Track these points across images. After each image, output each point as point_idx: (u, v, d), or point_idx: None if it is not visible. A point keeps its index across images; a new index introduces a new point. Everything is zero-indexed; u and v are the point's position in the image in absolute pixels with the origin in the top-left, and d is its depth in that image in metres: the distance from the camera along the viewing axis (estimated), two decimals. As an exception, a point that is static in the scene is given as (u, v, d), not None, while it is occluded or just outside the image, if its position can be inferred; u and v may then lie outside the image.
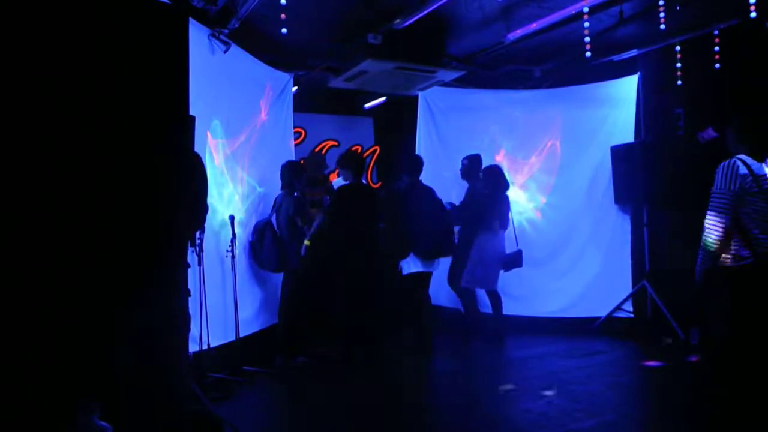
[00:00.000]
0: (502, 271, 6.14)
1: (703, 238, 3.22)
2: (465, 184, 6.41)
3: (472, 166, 6.32)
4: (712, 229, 3.17)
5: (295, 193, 5.50)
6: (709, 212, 3.21)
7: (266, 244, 5.34)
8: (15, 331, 1.91)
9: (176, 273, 2.50)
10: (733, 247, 3.15)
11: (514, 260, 6.12)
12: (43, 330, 1.96)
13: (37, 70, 1.96)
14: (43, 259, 1.97)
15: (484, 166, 6.33)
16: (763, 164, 3.19)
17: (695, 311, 5.51)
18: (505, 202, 6.22)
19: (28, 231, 1.95)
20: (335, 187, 6.17)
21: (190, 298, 3.64)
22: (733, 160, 3.17)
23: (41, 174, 1.96)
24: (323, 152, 8.26)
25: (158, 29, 2.27)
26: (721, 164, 3.21)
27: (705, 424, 3.55)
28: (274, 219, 5.42)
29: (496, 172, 6.21)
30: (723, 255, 3.18)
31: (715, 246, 3.16)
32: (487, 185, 6.17)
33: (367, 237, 5.50)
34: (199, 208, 3.27)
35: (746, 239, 3.10)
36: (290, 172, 5.47)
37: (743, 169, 3.12)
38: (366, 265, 5.43)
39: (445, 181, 6.62)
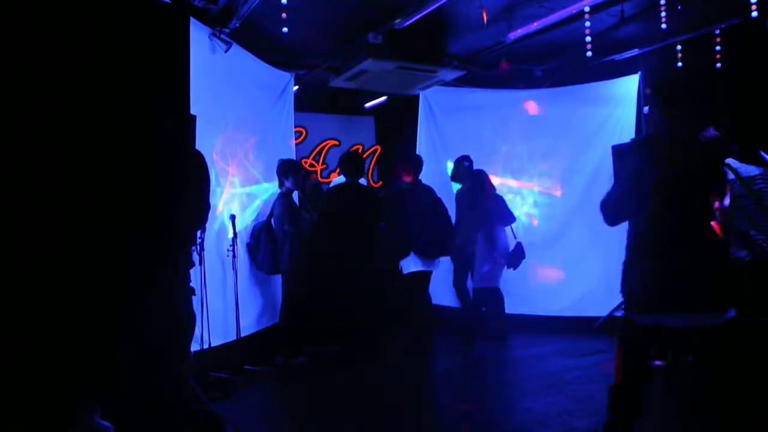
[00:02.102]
0: (505, 269, 6.13)
1: None
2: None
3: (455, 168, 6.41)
4: None
5: (295, 192, 5.47)
6: None
7: (261, 247, 5.33)
8: (16, 331, 1.91)
9: (179, 272, 2.49)
10: (731, 251, 3.12)
11: (517, 254, 6.12)
12: (44, 329, 1.96)
13: (37, 69, 1.96)
14: (43, 258, 1.97)
15: (476, 167, 6.35)
16: (753, 166, 3.18)
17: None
18: (501, 201, 6.23)
19: (29, 231, 1.95)
20: (331, 185, 6.20)
21: (193, 298, 3.64)
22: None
23: (41, 173, 1.96)
24: (324, 151, 8.28)
25: (159, 28, 2.27)
26: None
27: (705, 423, 3.55)
28: (272, 221, 5.41)
29: (476, 175, 6.25)
30: None
31: None
32: (469, 187, 6.23)
33: (360, 236, 5.48)
34: (202, 207, 3.26)
35: (743, 241, 3.09)
36: (281, 170, 5.43)
37: (730, 175, 3.10)
38: (361, 264, 5.43)
39: (445, 180, 6.62)
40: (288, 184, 5.38)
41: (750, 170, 3.14)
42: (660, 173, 2.49)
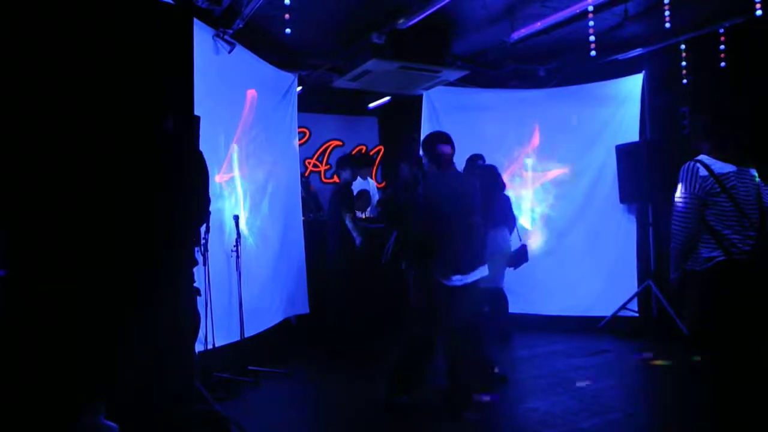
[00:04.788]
0: (508, 269, 6.09)
1: (671, 244, 3.19)
2: None
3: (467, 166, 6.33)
4: (678, 233, 3.13)
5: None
6: (673, 217, 3.17)
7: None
8: (18, 331, 1.92)
9: (183, 272, 2.49)
10: (703, 251, 3.07)
11: (521, 256, 6.04)
12: (47, 330, 1.96)
13: (42, 70, 1.97)
14: (45, 258, 1.98)
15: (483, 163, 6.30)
16: (729, 164, 3.11)
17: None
18: (506, 202, 6.13)
19: (31, 231, 1.95)
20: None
21: (198, 298, 3.63)
22: (693, 162, 3.13)
23: (44, 174, 1.96)
24: (327, 152, 8.28)
25: (163, 29, 2.28)
26: (683, 167, 3.16)
27: (709, 422, 3.54)
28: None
29: (489, 171, 6.17)
30: (693, 259, 3.11)
31: (682, 250, 3.13)
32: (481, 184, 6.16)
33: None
34: (202, 203, 3.25)
35: (717, 240, 3.03)
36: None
37: (703, 171, 3.07)
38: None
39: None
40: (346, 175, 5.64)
41: (724, 167, 3.08)
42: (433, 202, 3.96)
